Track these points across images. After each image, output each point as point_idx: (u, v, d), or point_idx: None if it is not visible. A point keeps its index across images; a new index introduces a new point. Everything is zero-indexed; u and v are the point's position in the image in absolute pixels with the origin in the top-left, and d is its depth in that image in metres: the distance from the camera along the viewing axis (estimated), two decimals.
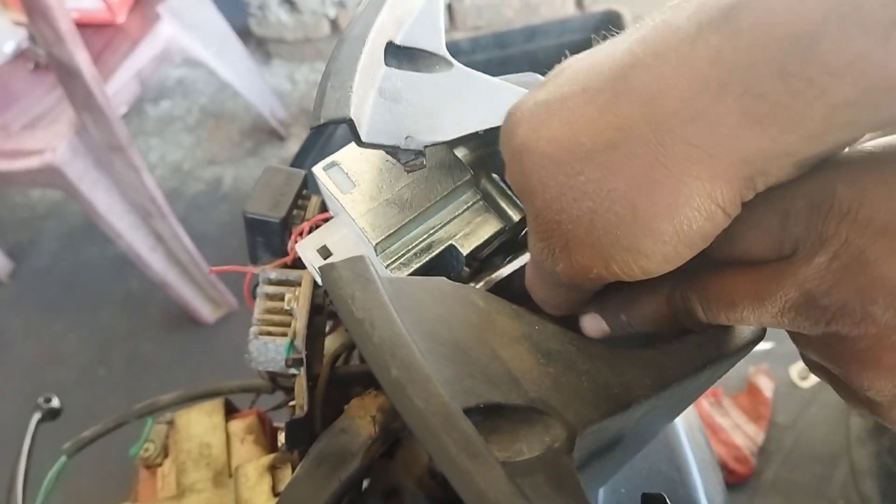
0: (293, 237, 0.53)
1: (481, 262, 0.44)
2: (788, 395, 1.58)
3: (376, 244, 0.41)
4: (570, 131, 0.30)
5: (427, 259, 0.42)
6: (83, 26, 1.56)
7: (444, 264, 0.43)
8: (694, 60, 0.27)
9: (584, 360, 0.34)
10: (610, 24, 2.14)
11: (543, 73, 0.52)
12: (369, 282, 0.29)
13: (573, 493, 0.29)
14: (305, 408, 0.48)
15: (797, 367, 1.60)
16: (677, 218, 0.29)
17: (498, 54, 2.06)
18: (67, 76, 1.44)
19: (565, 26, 2.06)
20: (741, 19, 0.26)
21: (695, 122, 0.27)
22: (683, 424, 0.64)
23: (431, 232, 0.43)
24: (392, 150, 0.38)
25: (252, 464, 0.55)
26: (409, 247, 0.43)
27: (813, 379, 1.55)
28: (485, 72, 0.44)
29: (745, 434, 1.51)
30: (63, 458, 0.66)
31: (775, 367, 1.62)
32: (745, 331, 0.38)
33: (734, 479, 1.48)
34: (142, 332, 2.02)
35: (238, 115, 2.57)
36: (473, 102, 0.41)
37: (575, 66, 0.33)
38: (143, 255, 1.74)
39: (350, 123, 0.35)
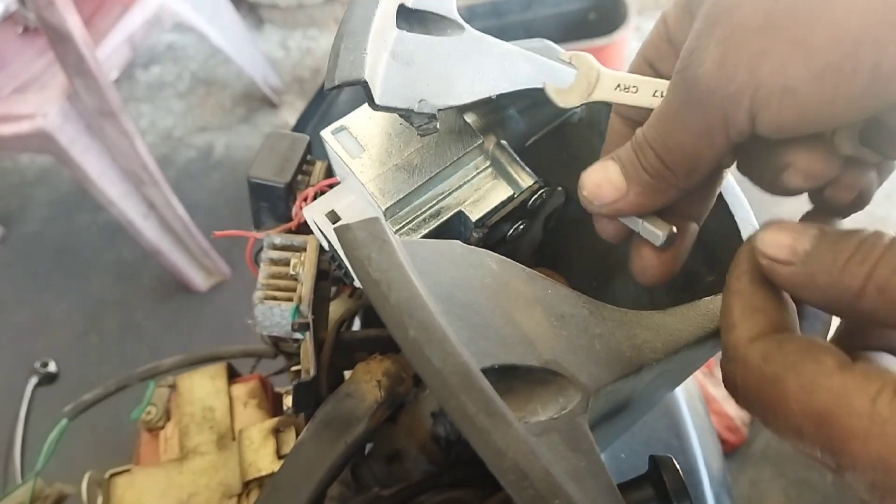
0: (298, 202, 0.53)
1: (489, 228, 0.44)
2: None
3: (385, 209, 0.41)
4: None
5: (436, 225, 0.42)
6: None
7: (452, 230, 0.43)
8: None
9: (596, 323, 0.34)
10: None
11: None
12: (386, 243, 0.29)
13: (588, 453, 0.29)
14: (312, 371, 0.48)
15: None
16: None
17: (494, 23, 2.04)
18: (58, 40, 1.42)
19: None
20: None
21: None
22: (683, 393, 0.65)
23: (440, 198, 0.43)
24: (405, 114, 0.37)
25: (256, 427, 0.55)
26: (418, 212, 0.43)
27: None
28: None
29: (736, 404, 1.53)
30: (64, 421, 0.66)
31: None
32: None
33: (726, 449, 1.50)
34: (133, 299, 2.02)
35: (230, 81, 2.54)
36: (486, 67, 0.40)
37: None
38: (135, 222, 1.74)
39: (364, 85, 0.35)
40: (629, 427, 0.50)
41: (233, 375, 0.64)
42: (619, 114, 0.40)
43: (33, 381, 0.75)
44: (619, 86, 0.38)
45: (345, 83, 0.34)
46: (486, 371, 0.28)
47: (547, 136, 0.47)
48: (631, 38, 1.93)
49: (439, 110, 0.38)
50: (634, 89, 0.38)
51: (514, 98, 0.43)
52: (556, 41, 0.49)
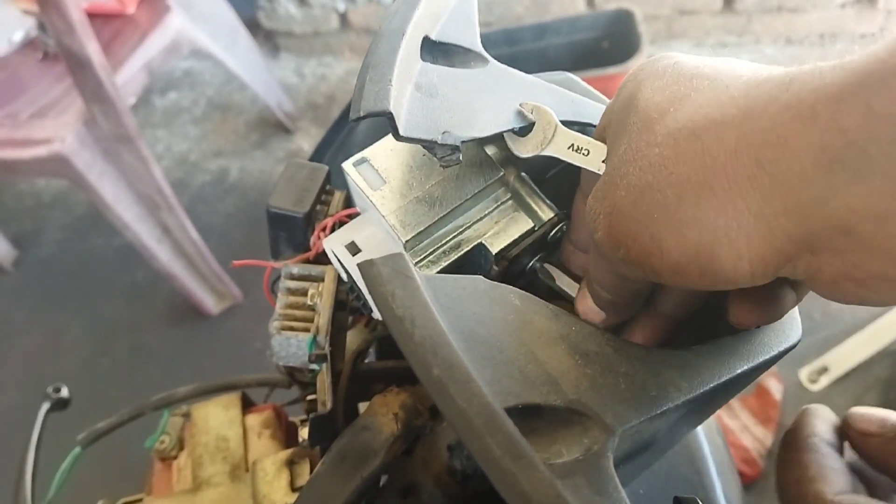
0: (316, 232, 0.53)
1: (509, 261, 0.43)
2: (797, 398, 1.58)
3: (406, 241, 0.41)
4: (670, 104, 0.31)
5: (456, 257, 0.42)
6: (93, 16, 1.55)
7: (472, 263, 0.43)
8: (794, 87, 0.27)
9: (621, 362, 0.34)
10: (621, 22, 2.13)
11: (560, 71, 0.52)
12: (409, 279, 0.29)
13: (613, 497, 0.29)
14: (329, 404, 0.48)
15: (806, 371, 1.60)
16: (705, 236, 0.28)
17: (507, 51, 2.05)
18: (77, 66, 1.43)
19: (576, 24, 2.05)
20: (838, 66, 0.26)
21: (774, 147, 0.26)
22: (702, 427, 0.64)
23: (461, 230, 0.43)
24: (429, 145, 0.37)
25: (270, 458, 0.55)
26: (439, 245, 0.42)
27: (822, 382, 1.55)
28: None
29: (753, 436, 1.51)
30: (77, 450, 0.65)
31: (784, 370, 1.62)
32: (780, 336, 0.37)
33: (743, 481, 1.48)
34: (145, 323, 2.02)
35: (245, 107, 2.56)
36: (508, 99, 0.40)
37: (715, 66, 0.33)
38: (149, 246, 1.74)
39: (389, 117, 0.35)
40: (651, 465, 0.49)
41: (247, 405, 0.64)
42: (583, 192, 0.42)
43: (45, 406, 0.75)
44: (572, 145, 0.39)
45: (370, 114, 0.34)
46: (509, 411, 0.28)
47: (567, 169, 0.47)
48: None
49: (462, 142, 0.38)
50: (586, 152, 0.38)
51: None
52: (568, 70, 0.50)
